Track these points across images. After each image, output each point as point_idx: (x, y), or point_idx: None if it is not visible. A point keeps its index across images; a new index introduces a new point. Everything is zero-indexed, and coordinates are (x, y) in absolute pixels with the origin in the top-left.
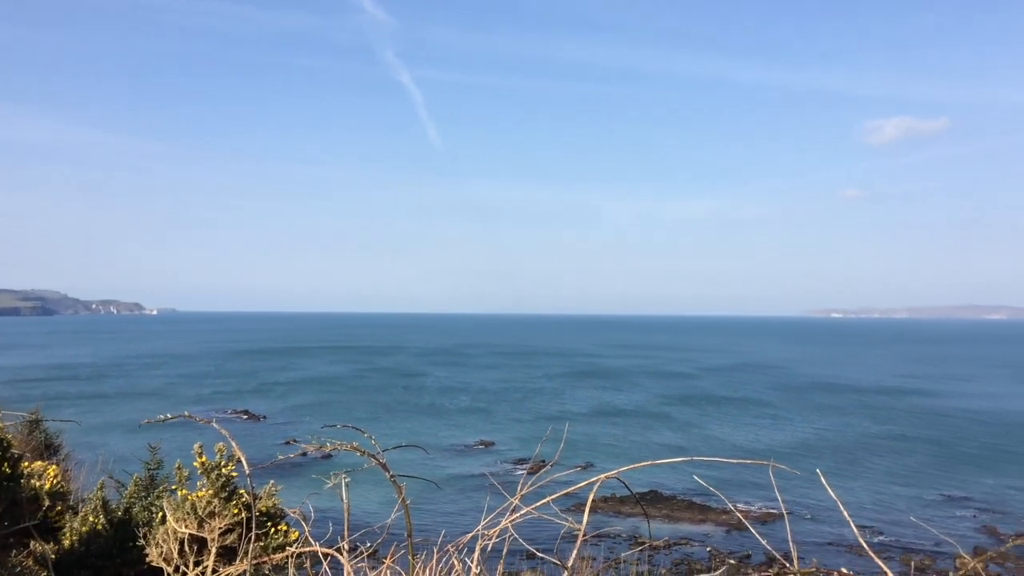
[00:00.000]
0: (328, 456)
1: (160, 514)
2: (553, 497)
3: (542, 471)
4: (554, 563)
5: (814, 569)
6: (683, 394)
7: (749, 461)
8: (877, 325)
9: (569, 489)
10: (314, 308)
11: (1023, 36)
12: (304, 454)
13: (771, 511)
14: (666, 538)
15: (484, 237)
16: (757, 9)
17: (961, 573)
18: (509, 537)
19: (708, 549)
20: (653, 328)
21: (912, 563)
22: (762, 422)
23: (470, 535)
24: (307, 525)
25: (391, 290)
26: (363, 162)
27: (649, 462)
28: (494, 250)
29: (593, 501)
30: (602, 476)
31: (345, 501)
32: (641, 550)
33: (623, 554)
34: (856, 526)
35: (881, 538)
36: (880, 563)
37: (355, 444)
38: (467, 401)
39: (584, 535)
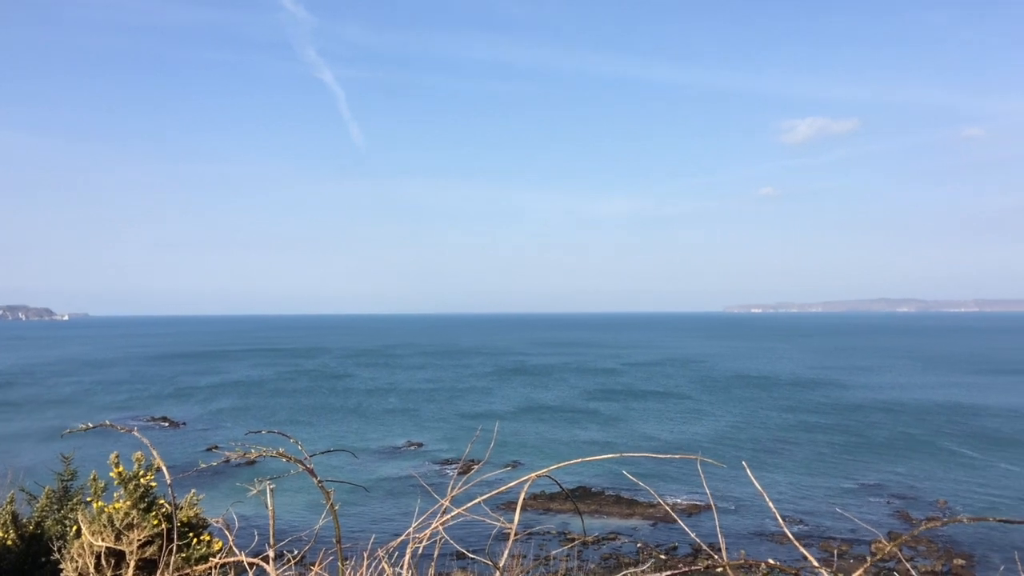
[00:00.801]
0: (253, 463)
1: (75, 527)
2: (484, 497)
3: (472, 471)
4: (485, 563)
5: (742, 561)
6: (609, 389)
7: (678, 456)
8: (794, 319)
9: (500, 489)
10: (235, 311)
11: (930, 37)
12: (227, 461)
13: (697, 503)
14: (595, 534)
15: (409, 237)
16: (674, 10)
17: (878, 557)
18: (440, 539)
19: (637, 543)
20: (579, 325)
21: (833, 550)
22: (685, 415)
23: (400, 539)
24: (231, 534)
25: (315, 292)
26: (284, 161)
27: (578, 460)
28: (420, 250)
29: (523, 500)
30: (533, 475)
31: (270, 508)
32: (571, 546)
33: (554, 551)
34: (779, 515)
35: (802, 526)
36: (803, 551)
37: (281, 450)
38: (395, 402)
39: (516, 534)
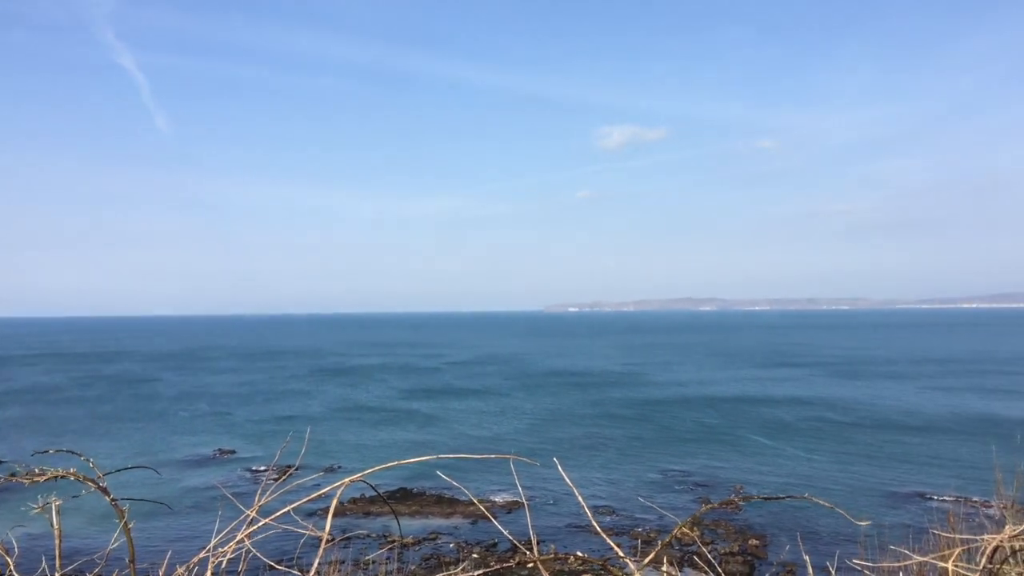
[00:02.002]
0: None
1: None
2: (294, 505)
3: (284, 477)
4: (295, 574)
5: (552, 556)
6: (428, 389)
7: (493, 456)
8: (608, 318)
9: (312, 495)
10: (25, 312)
11: (732, 56)
12: (13, 476)
13: (517, 500)
14: (411, 536)
15: (222, 236)
16: (500, 16)
17: (673, 535)
18: (246, 552)
19: (454, 544)
20: (400, 325)
21: (641, 538)
22: (503, 413)
23: (200, 555)
24: (11, 559)
25: (118, 291)
26: (70, 151)
27: (394, 463)
28: (233, 249)
29: (341, 504)
30: (347, 480)
31: (56, 528)
32: (390, 548)
33: (372, 554)
34: (591, 508)
35: (614, 517)
36: (609, 541)
37: (72, 470)
38: (204, 407)
39: (330, 540)
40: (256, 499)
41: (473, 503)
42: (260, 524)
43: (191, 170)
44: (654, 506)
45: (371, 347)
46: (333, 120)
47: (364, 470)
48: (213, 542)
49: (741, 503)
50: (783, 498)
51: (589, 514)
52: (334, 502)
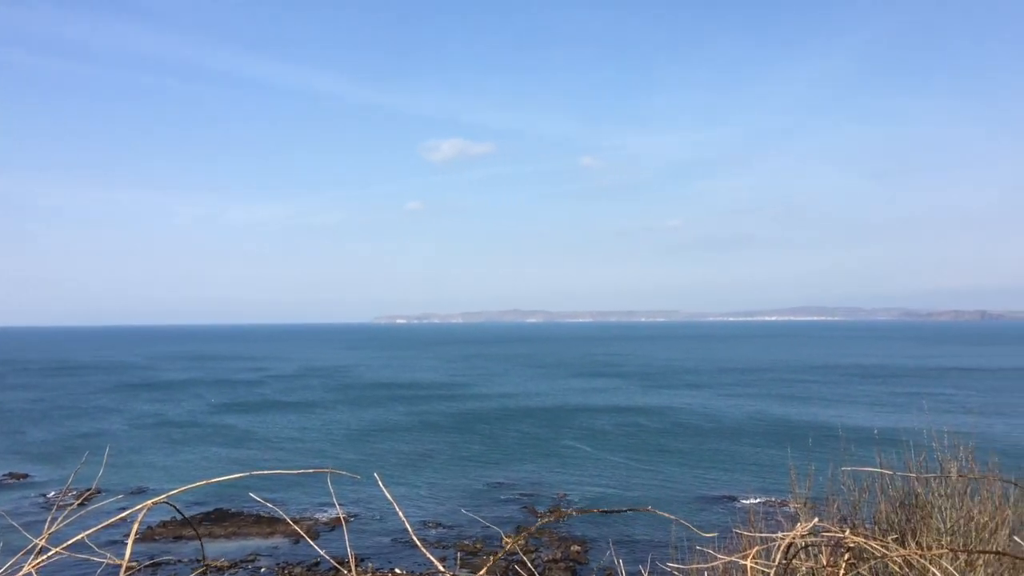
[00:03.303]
0: None
1: None
2: (90, 531)
3: (81, 501)
4: None
5: (371, 573)
6: (246, 403)
7: (311, 471)
8: (437, 329)
9: (112, 520)
10: None
11: (562, 72)
12: None
13: (343, 515)
14: (225, 559)
15: (14, 238)
16: (322, 18)
17: (505, 550)
18: None
19: (273, 565)
20: (220, 337)
21: (468, 550)
22: (326, 426)
23: None
24: None
25: None
26: None
27: (204, 481)
28: (27, 255)
29: (150, 528)
30: (149, 502)
31: None
32: (201, 574)
33: None
34: (418, 522)
35: (440, 530)
36: (429, 556)
37: None
38: None
39: (133, 567)
40: (46, 526)
41: (296, 521)
42: (50, 554)
43: None
44: (479, 518)
45: (188, 360)
46: (144, 117)
47: (170, 491)
48: None
49: (575, 515)
50: (625, 510)
51: (410, 529)
52: (135, 526)
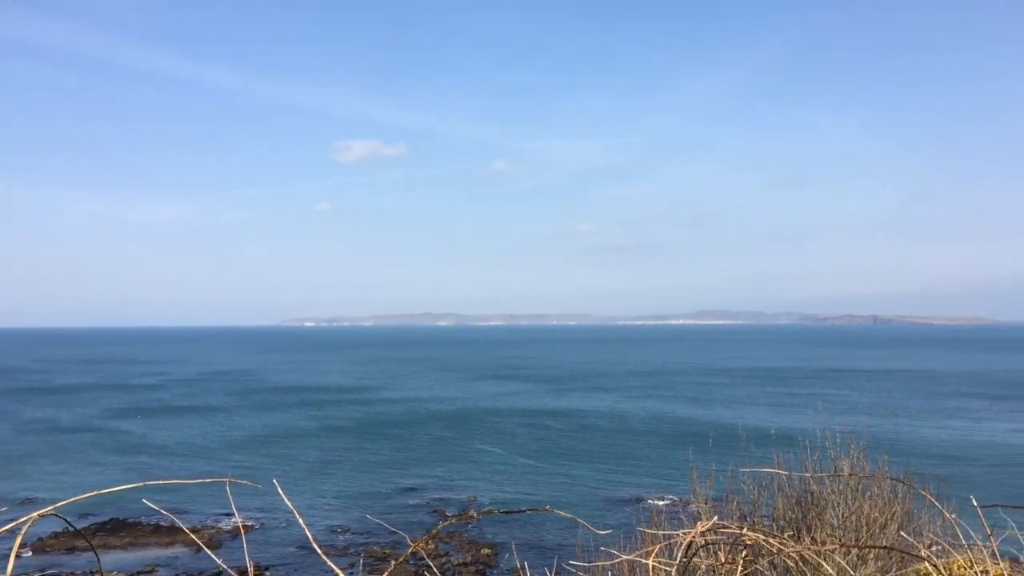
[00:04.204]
0: None
1: None
2: None
3: None
4: None
5: None
6: (143, 408)
7: (208, 480)
8: (346, 332)
9: None
10: None
11: (476, 74)
12: None
13: (246, 523)
14: (118, 572)
15: None
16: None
17: (407, 554)
18: None
19: (175, 575)
20: (118, 340)
21: (377, 555)
22: (228, 432)
23: None
24: None
25: None
26: None
27: (95, 492)
28: None
29: (40, 540)
30: (35, 514)
31: None
32: None
33: None
34: (326, 528)
35: (348, 536)
36: (330, 563)
37: None
38: None
39: None
40: None
41: (197, 530)
42: None
43: None
44: (384, 523)
45: (83, 364)
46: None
47: (60, 501)
48: None
49: (476, 516)
50: (524, 511)
51: (310, 536)
52: (18, 539)
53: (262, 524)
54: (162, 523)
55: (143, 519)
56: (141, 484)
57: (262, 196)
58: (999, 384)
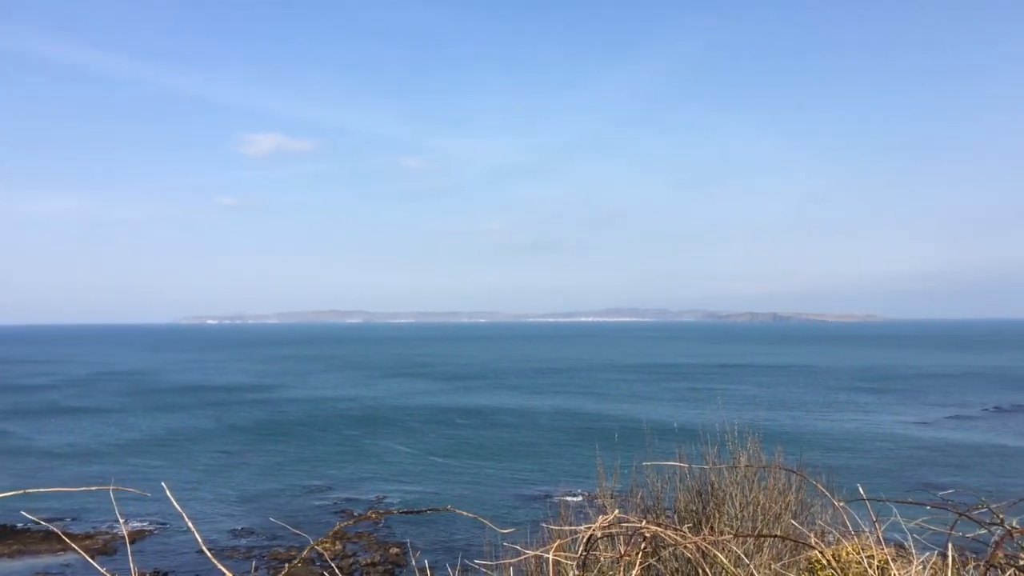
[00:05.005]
0: None
1: None
2: None
3: None
4: None
5: None
6: (31, 409)
7: (94, 488)
8: (250, 330)
9: None
10: None
11: (386, 70)
12: None
13: (145, 529)
14: None
15: None
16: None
17: (302, 556)
18: None
19: None
20: (5, 339)
21: (276, 558)
22: (124, 434)
23: None
24: None
25: None
26: None
27: None
28: None
29: None
30: None
31: None
32: None
33: None
34: (228, 531)
35: (252, 538)
36: (221, 567)
37: None
38: None
39: None
40: None
41: (89, 536)
42: None
43: None
44: (286, 526)
45: None
46: None
47: None
48: None
49: (375, 517)
50: (425, 511)
51: (200, 539)
52: None
53: (163, 528)
54: (54, 528)
55: (32, 526)
56: (21, 492)
57: (161, 189)
58: (886, 378)
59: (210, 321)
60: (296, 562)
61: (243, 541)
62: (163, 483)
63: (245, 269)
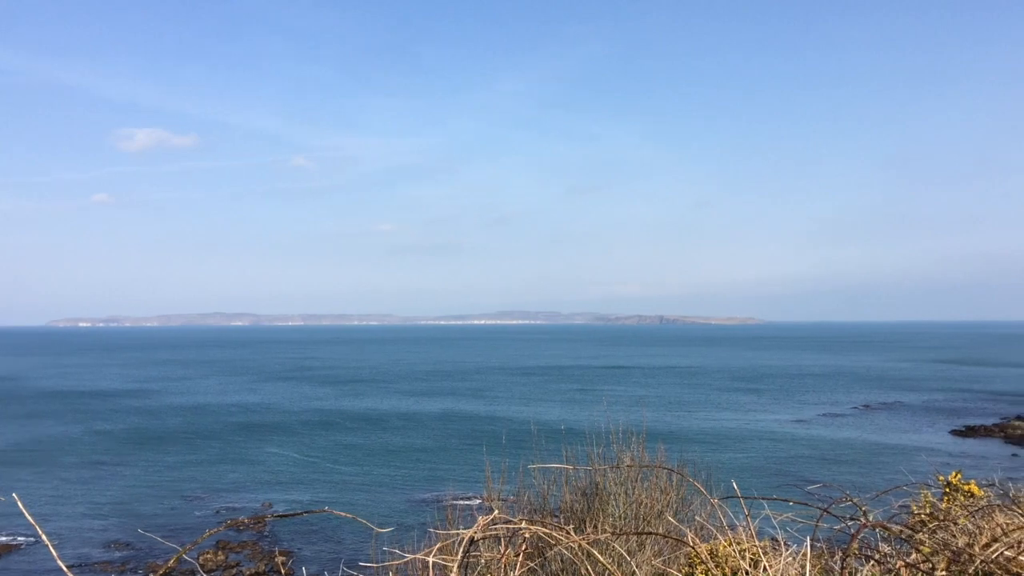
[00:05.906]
0: None
1: None
2: None
3: None
4: None
5: None
6: None
7: None
8: (127, 333)
9: None
10: None
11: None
12: None
13: (9, 543)
14: None
15: None
16: None
17: (169, 565)
18: None
19: None
20: None
21: (153, 569)
22: None
23: None
24: None
25: None
26: None
27: None
28: None
29: None
30: None
31: None
32: None
33: None
34: (107, 543)
35: (128, 551)
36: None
37: None
38: None
39: None
40: None
41: None
42: None
43: None
44: (156, 537)
45: None
46: None
47: None
48: None
49: (248, 522)
50: (301, 514)
51: (55, 553)
52: None
53: (30, 543)
54: None
55: None
56: None
57: (28, 185)
58: (763, 378)
59: (83, 323)
60: (162, 571)
61: (118, 554)
62: (14, 494)
63: (122, 269)
